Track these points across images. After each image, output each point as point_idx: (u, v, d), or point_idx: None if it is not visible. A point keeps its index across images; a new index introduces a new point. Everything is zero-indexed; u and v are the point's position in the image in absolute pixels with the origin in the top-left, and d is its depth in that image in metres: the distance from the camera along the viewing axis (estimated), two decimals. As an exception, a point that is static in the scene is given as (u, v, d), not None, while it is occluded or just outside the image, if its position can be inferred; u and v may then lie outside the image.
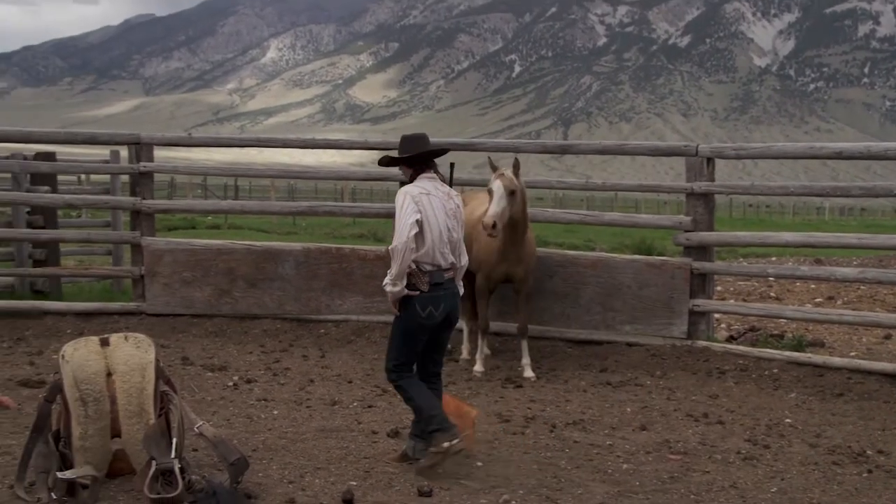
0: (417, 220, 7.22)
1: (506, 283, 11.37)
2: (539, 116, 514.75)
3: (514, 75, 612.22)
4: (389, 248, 7.27)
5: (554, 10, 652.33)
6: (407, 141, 7.77)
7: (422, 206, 7.32)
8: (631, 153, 13.60)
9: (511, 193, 10.14)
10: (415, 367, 7.67)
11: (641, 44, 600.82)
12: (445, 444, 7.14)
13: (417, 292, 7.30)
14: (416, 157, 7.64)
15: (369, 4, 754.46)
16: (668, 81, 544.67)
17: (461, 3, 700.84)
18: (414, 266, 7.28)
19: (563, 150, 14.16)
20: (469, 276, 11.58)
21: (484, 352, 11.36)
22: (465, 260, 7.78)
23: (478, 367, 11.14)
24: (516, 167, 10.25)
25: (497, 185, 10.15)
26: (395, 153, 7.99)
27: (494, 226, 9.92)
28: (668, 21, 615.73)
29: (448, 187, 7.75)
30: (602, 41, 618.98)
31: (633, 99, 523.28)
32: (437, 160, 7.89)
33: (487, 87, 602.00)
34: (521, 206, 10.52)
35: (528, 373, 10.96)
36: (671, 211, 64.88)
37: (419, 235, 7.28)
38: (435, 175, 7.66)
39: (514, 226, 10.59)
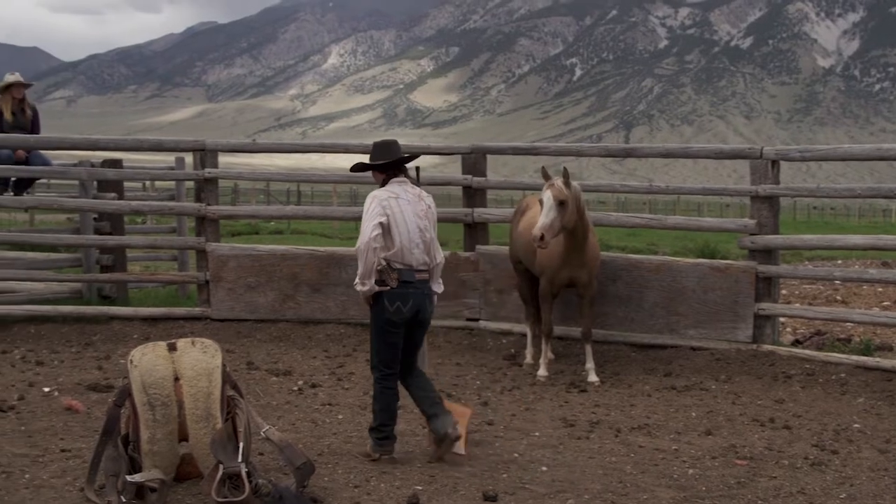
0: (381, 223, 7.57)
1: (569, 288, 11.35)
2: (600, 120, 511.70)
3: (575, 79, 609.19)
4: (355, 248, 7.78)
5: (614, 12, 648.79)
6: (378, 148, 8.09)
7: (389, 209, 7.66)
8: (695, 156, 13.56)
9: (561, 203, 10.18)
10: (397, 369, 8.02)
11: (703, 46, 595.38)
12: (376, 456, 7.74)
13: (387, 288, 7.64)
14: (388, 165, 7.96)
15: (430, 9, 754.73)
16: (730, 83, 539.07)
17: (521, 7, 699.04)
18: (384, 263, 7.63)
19: (626, 154, 14.09)
20: (533, 281, 11.60)
21: (548, 356, 11.34)
22: (440, 258, 8.05)
23: (542, 372, 11.12)
24: (566, 176, 10.28)
25: (547, 196, 10.22)
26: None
27: (543, 238, 9.99)
28: (730, 22, 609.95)
29: (419, 189, 8.07)
30: (663, 43, 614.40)
31: (695, 101, 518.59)
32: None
33: (548, 91, 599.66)
34: (577, 214, 10.50)
35: (593, 377, 10.93)
36: (734, 214, 64.34)
37: (388, 237, 7.64)
38: (405, 179, 7.99)
39: (572, 232, 10.61)
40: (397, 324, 7.78)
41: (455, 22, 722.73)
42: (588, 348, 11.21)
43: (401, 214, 7.68)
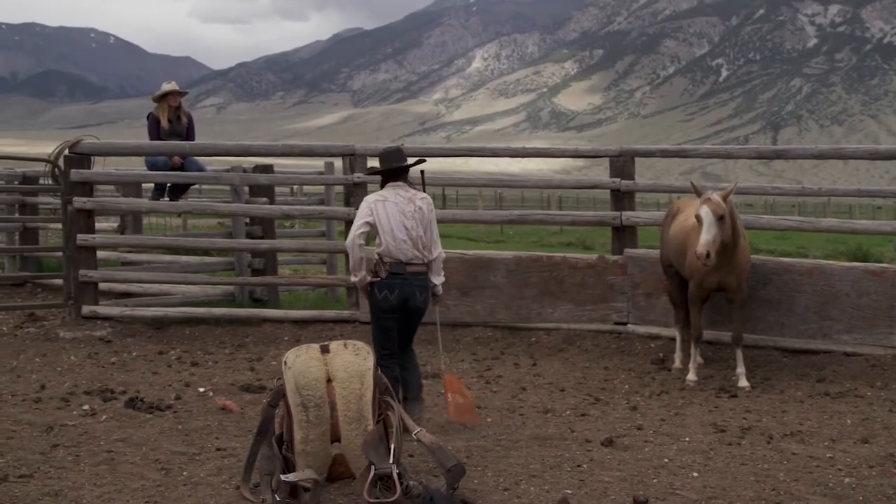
0: (368, 222, 8.68)
1: (719, 292, 11.20)
2: (747, 121, 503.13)
3: (720, 79, 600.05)
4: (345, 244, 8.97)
5: (762, 11, 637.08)
6: (381, 156, 9.10)
7: (376, 211, 8.71)
8: (848, 157, 13.29)
9: (720, 218, 10.08)
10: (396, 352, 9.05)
11: (854, 43, 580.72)
12: None
13: (378, 279, 8.74)
14: (389, 171, 8.92)
15: (573, 12, 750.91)
16: (882, 82, 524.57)
17: (666, 8, 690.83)
18: (377, 258, 8.74)
19: (777, 155, 13.83)
20: (683, 285, 11.48)
21: (697, 361, 11.21)
22: (436, 253, 8.99)
23: (691, 377, 11.00)
24: (728, 192, 10.25)
25: (705, 212, 10.11)
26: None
27: (708, 255, 9.94)
28: (882, 19, 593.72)
29: (412, 192, 8.95)
30: (812, 42, 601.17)
31: (846, 101, 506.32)
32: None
33: (694, 93, 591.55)
34: (732, 227, 10.42)
35: (743, 382, 10.76)
36: (886, 216, 62.62)
37: (375, 235, 8.72)
38: (401, 183, 8.92)
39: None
40: (387, 310, 8.79)
41: (599, 24, 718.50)
42: (738, 353, 11.03)
43: (385, 216, 8.68)
